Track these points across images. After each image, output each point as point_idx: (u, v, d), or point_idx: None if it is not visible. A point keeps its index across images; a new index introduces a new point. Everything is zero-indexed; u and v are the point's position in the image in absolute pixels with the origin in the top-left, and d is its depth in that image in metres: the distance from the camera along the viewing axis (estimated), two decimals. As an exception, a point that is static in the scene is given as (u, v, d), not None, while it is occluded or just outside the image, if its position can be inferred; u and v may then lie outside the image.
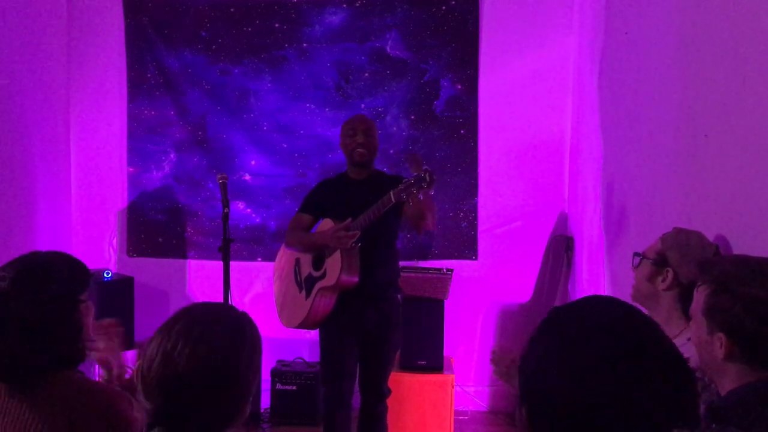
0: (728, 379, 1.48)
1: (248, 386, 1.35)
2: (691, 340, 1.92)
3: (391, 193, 3.04)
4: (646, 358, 0.97)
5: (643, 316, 1.04)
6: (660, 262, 2.01)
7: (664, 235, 2.08)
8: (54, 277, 1.74)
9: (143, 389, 1.28)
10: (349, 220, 3.19)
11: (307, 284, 3.42)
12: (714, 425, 1.43)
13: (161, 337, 1.31)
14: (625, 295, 2.12)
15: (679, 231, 2.08)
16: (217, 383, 1.28)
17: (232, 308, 1.45)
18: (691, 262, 1.96)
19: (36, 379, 1.67)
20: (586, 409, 0.95)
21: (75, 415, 1.64)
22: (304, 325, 3.42)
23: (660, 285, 2.00)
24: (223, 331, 1.33)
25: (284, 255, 3.62)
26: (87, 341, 1.81)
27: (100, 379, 1.99)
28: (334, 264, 3.27)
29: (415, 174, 2.98)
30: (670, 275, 1.98)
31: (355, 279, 3.25)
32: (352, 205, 3.28)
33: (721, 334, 1.46)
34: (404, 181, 3.02)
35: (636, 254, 2.10)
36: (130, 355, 4.35)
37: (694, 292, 1.56)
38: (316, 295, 3.34)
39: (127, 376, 2.01)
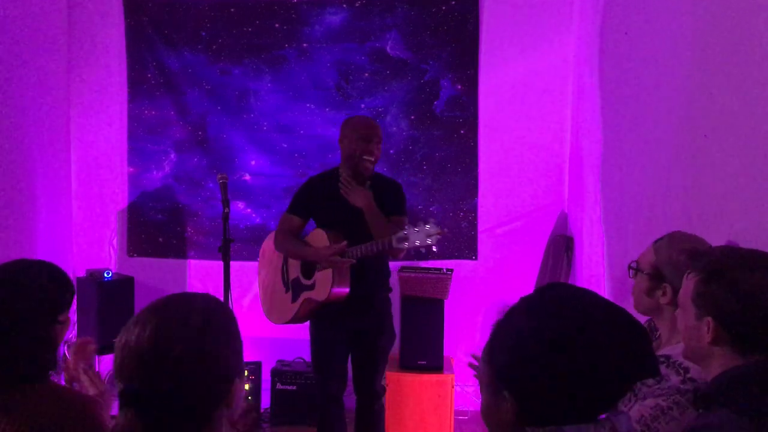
0: (715, 364, 1.50)
1: (222, 367, 1.28)
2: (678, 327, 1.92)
3: (393, 238, 3.00)
4: (608, 324, 1.14)
5: (599, 297, 1.21)
6: (656, 276, 1.98)
7: (657, 243, 2.03)
8: (33, 292, 1.71)
9: (118, 375, 1.26)
10: (344, 243, 3.14)
11: (294, 287, 3.40)
12: (701, 410, 1.45)
13: (126, 328, 1.28)
14: (626, 295, 2.11)
15: (670, 240, 2.01)
16: (186, 363, 1.23)
17: (200, 294, 1.39)
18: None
19: (10, 390, 1.66)
20: (564, 375, 1.11)
21: (50, 423, 1.62)
22: (290, 323, 3.47)
23: (661, 299, 1.98)
24: (187, 313, 1.28)
25: (273, 249, 3.57)
26: (57, 354, 1.79)
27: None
28: (325, 279, 3.24)
29: (423, 226, 2.96)
30: (669, 291, 1.95)
31: (346, 291, 3.24)
32: (345, 212, 3.24)
33: (709, 318, 1.49)
34: (409, 230, 2.98)
35: (631, 266, 2.07)
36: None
37: (683, 280, 1.58)
38: (302, 303, 3.34)
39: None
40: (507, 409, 1.14)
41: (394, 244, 3.00)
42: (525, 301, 1.22)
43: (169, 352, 1.22)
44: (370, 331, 3.35)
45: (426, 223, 2.99)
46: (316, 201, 3.36)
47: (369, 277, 3.31)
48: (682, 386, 1.82)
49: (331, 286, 3.19)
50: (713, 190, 2.22)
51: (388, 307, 3.42)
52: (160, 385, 1.22)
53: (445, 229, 3.09)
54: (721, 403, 1.41)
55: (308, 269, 3.34)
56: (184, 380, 1.22)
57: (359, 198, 3.20)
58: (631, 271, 2.07)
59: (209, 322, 1.28)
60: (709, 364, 1.51)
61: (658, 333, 2.07)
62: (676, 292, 1.91)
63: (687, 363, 1.86)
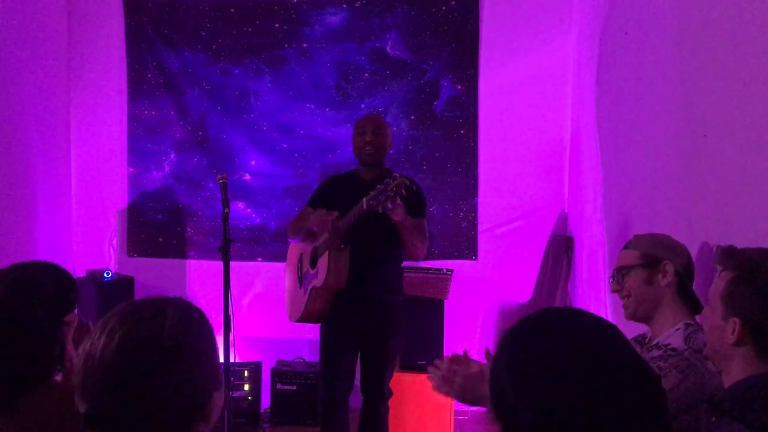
0: (735, 367, 1.46)
1: (198, 381, 1.15)
2: (685, 326, 1.92)
3: (363, 199, 3.02)
4: (603, 389, 0.97)
5: (600, 336, 1.04)
6: (651, 261, 2.01)
7: (632, 243, 2.09)
8: (38, 296, 1.72)
9: (80, 392, 1.13)
10: (336, 214, 3.18)
11: (304, 280, 3.46)
12: (714, 418, 1.42)
13: (96, 335, 1.15)
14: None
15: (642, 235, 2.10)
16: (142, 389, 1.10)
17: (172, 299, 1.25)
18: (676, 252, 2.01)
19: (14, 391, 1.65)
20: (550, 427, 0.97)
21: (54, 422, 1.62)
22: (304, 319, 3.46)
23: (662, 281, 1.99)
24: (152, 318, 1.16)
25: (293, 248, 3.64)
26: (63, 354, 1.79)
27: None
28: (322, 265, 3.27)
29: (388, 181, 2.93)
30: (669, 267, 1.98)
31: (342, 281, 3.24)
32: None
33: (736, 319, 1.44)
34: (376, 187, 2.98)
35: (619, 271, 2.07)
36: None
37: (715, 278, 1.54)
38: (309, 292, 3.36)
39: None
40: None
41: (365, 206, 3.01)
42: (511, 341, 1.06)
43: (138, 366, 1.09)
44: (381, 335, 3.36)
45: (393, 178, 2.93)
46: (331, 199, 3.39)
47: (383, 278, 3.32)
48: (663, 354, 1.85)
49: (326, 272, 3.21)
50: (713, 191, 2.22)
51: (401, 311, 3.43)
52: (129, 404, 1.08)
53: (397, 174, 2.94)
54: (734, 416, 1.38)
55: (315, 259, 3.37)
56: (156, 397, 1.10)
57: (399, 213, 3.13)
58: (621, 275, 2.06)
59: (184, 330, 1.15)
60: (730, 366, 1.48)
61: (648, 336, 2.08)
62: (674, 268, 1.98)
63: (669, 341, 1.92)
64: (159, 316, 1.15)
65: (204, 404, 1.15)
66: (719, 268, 1.53)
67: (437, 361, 1.87)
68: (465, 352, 1.91)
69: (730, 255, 1.51)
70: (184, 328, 1.15)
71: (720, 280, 1.51)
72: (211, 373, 1.18)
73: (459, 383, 1.79)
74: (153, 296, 1.24)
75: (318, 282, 3.28)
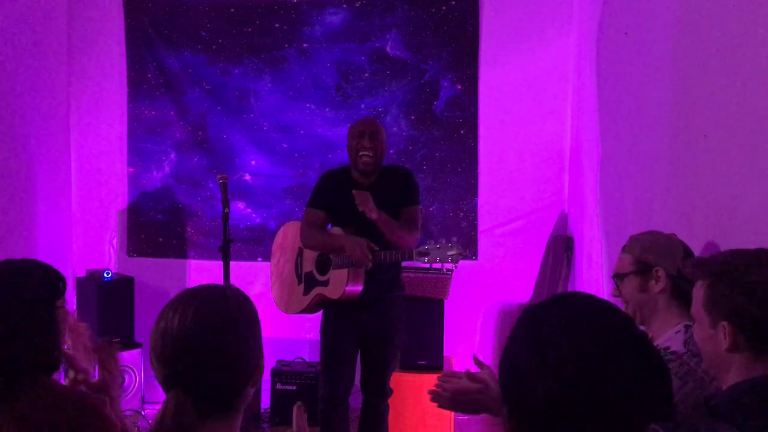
0: (733, 372, 1.45)
1: (246, 353, 1.38)
2: (678, 333, 1.93)
3: (414, 252, 3.07)
4: (618, 354, 0.97)
5: (616, 311, 1.05)
6: (643, 268, 2.01)
7: (627, 246, 2.10)
8: (29, 283, 1.73)
9: (154, 360, 1.36)
10: (372, 246, 3.16)
11: (306, 281, 3.44)
12: (710, 421, 1.42)
13: (164, 316, 1.40)
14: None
15: (636, 237, 2.10)
16: (214, 351, 1.34)
17: (230, 287, 1.51)
18: (669, 254, 2.00)
19: (13, 388, 1.66)
20: (557, 407, 0.96)
21: (55, 421, 1.62)
22: (300, 314, 3.52)
23: (654, 287, 2.00)
24: (218, 306, 1.40)
25: (290, 235, 3.60)
26: (62, 347, 1.80)
27: (67, 381, 1.97)
28: (340, 277, 3.26)
29: (446, 244, 3.02)
30: (662, 272, 1.98)
31: (359, 289, 3.27)
32: (357, 213, 3.22)
33: (724, 323, 1.44)
34: (431, 246, 3.06)
35: (615, 278, 2.10)
36: (130, 356, 4.35)
37: (693, 291, 1.54)
38: (313, 297, 3.38)
39: (95, 379, 2.01)
40: (504, 422, 1.06)
41: (415, 257, 3.07)
42: (528, 312, 1.08)
43: (211, 341, 1.33)
44: (382, 332, 3.36)
45: (449, 241, 3.04)
46: (334, 196, 3.37)
47: (383, 277, 3.32)
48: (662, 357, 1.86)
49: (346, 284, 3.23)
50: (712, 191, 2.22)
51: (401, 307, 3.43)
52: (204, 368, 1.32)
53: (466, 251, 3.11)
54: (728, 419, 1.37)
55: (323, 265, 3.36)
56: (225, 363, 1.34)
57: (372, 212, 3.16)
58: (616, 282, 2.08)
59: (241, 313, 1.41)
60: (728, 373, 1.46)
61: (650, 337, 2.09)
62: (667, 272, 1.97)
63: (669, 344, 1.92)
64: (222, 300, 1.41)
65: (255, 369, 1.39)
66: (696, 280, 1.54)
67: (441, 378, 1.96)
68: (474, 356, 2.00)
69: (699, 265, 1.53)
70: (241, 312, 1.41)
71: (698, 291, 1.51)
72: (258, 345, 1.41)
73: (450, 396, 1.86)
74: (213, 284, 1.49)
75: (331, 294, 3.30)
